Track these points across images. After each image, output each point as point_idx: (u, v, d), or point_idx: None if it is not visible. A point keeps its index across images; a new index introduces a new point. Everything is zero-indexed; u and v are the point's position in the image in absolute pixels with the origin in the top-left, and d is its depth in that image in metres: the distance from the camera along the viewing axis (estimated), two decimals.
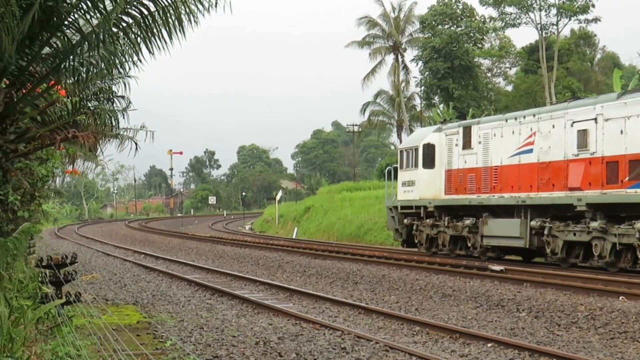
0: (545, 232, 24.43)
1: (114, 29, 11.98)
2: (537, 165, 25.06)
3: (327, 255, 31.54)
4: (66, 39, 12.66)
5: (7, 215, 15.51)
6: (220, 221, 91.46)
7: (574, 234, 23.49)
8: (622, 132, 21.83)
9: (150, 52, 12.38)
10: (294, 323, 14.79)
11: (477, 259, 27.36)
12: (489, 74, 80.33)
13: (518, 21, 62.35)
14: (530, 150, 25.36)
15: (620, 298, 17.38)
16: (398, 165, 32.30)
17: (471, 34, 72.48)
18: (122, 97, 16.61)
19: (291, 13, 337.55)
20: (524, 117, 26.08)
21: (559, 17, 61.48)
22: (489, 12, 66.22)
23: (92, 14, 11.73)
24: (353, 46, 79.31)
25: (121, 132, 17.84)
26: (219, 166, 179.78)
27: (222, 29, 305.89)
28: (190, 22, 11.99)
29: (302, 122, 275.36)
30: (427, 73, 71.86)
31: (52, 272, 13.08)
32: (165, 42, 12.15)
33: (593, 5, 59.75)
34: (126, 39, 12.45)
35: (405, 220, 31.66)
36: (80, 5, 11.77)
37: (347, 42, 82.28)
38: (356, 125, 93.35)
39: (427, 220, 30.21)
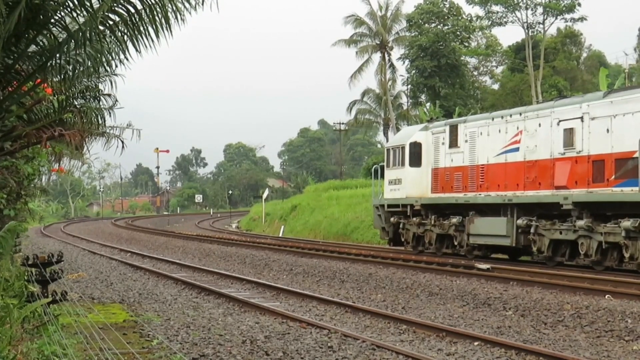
0: (532, 230, 24.51)
1: (101, 27, 11.93)
2: (523, 163, 25.13)
3: (314, 253, 31.54)
4: (52, 37, 12.60)
5: None
6: (206, 219, 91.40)
7: (560, 233, 23.59)
8: (608, 130, 21.93)
9: (137, 50, 12.33)
10: (281, 322, 14.78)
11: (463, 257, 27.42)
12: (475, 73, 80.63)
13: (504, 20, 62.69)
14: (517, 149, 25.43)
15: (607, 296, 17.45)
16: (385, 164, 32.30)
17: (458, 33, 72.64)
18: (109, 95, 16.55)
19: (277, 11, 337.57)
20: (511, 115, 26.16)
21: (545, 16, 61.83)
22: (476, 10, 66.40)
23: (78, 12, 11.68)
24: (340, 44, 79.08)
25: (107, 131, 17.76)
26: (205, 164, 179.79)
27: (209, 28, 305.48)
28: (178, 21, 11.94)
29: (288, 121, 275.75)
30: (413, 71, 72.00)
31: (38, 271, 13.02)
32: (152, 40, 12.10)
33: (579, 4, 60.19)
34: (113, 37, 12.40)
35: (392, 219, 31.69)
36: (66, 3, 11.72)
37: (334, 41, 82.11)
38: (343, 123, 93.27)
39: (414, 219, 30.26)
